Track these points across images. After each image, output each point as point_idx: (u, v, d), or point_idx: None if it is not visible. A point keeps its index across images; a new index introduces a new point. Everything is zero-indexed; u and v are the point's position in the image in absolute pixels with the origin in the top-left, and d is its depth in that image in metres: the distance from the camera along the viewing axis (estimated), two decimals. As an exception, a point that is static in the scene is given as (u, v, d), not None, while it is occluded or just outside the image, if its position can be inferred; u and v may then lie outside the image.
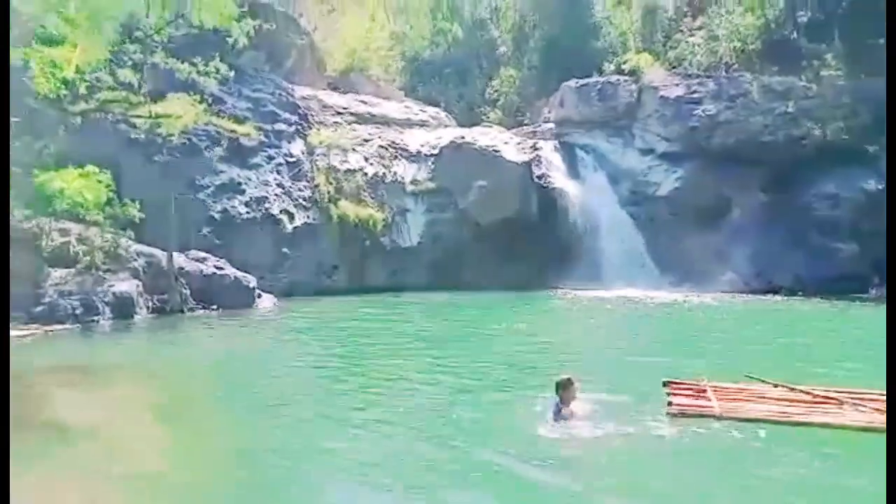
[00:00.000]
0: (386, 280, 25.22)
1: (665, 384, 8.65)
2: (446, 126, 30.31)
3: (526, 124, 30.59)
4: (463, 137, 27.90)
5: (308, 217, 24.69)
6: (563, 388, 7.58)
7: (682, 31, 30.12)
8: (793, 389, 8.31)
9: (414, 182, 27.23)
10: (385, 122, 29.01)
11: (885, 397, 7.28)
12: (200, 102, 18.29)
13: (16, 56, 11.11)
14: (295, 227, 24.15)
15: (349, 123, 27.87)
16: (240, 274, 20.15)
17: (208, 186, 22.66)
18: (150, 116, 17.71)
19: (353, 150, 26.73)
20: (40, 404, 9.03)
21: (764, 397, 8.20)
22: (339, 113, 28.20)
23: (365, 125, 28.27)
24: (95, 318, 16.43)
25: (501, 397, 9.32)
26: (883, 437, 6.16)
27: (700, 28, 29.49)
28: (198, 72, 18.84)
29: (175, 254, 18.95)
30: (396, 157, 27.71)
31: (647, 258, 25.72)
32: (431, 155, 27.69)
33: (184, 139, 20.78)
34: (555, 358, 12.28)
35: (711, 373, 9.21)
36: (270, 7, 26.42)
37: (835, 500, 5.89)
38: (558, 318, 19.74)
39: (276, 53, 27.41)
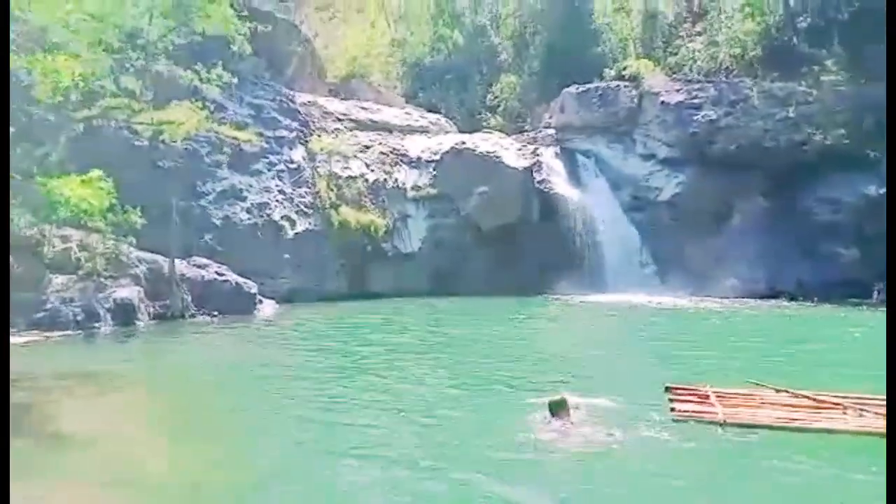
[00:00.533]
0: (387, 286, 25.19)
1: (667, 389, 8.63)
2: (447, 132, 30.31)
3: (527, 130, 30.57)
4: (464, 143, 27.93)
5: (309, 223, 24.69)
6: (558, 408, 7.55)
7: (682, 36, 30.13)
8: (796, 395, 8.29)
9: (415, 188, 27.25)
10: (386, 128, 29.01)
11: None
12: (202, 109, 18.34)
13: (18, 63, 11.14)
14: (296, 234, 24.15)
15: (350, 130, 27.88)
16: (241, 280, 20.17)
17: (210, 193, 22.67)
18: (152, 123, 17.74)
19: (355, 156, 26.75)
20: (40, 410, 9.02)
21: (767, 402, 8.18)
22: (339, 119, 28.23)
23: (366, 131, 28.28)
24: (97, 324, 16.45)
25: (500, 401, 9.30)
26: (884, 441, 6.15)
27: (700, 34, 29.52)
28: (200, 79, 18.87)
29: (176, 260, 18.96)
30: (397, 163, 27.73)
31: (649, 264, 25.72)
32: (432, 161, 27.70)
33: (186, 146, 20.80)
34: (554, 364, 12.27)
35: (713, 378, 9.18)
36: (272, 14, 26.48)
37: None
38: (559, 324, 19.71)
39: (277, 60, 27.46)
